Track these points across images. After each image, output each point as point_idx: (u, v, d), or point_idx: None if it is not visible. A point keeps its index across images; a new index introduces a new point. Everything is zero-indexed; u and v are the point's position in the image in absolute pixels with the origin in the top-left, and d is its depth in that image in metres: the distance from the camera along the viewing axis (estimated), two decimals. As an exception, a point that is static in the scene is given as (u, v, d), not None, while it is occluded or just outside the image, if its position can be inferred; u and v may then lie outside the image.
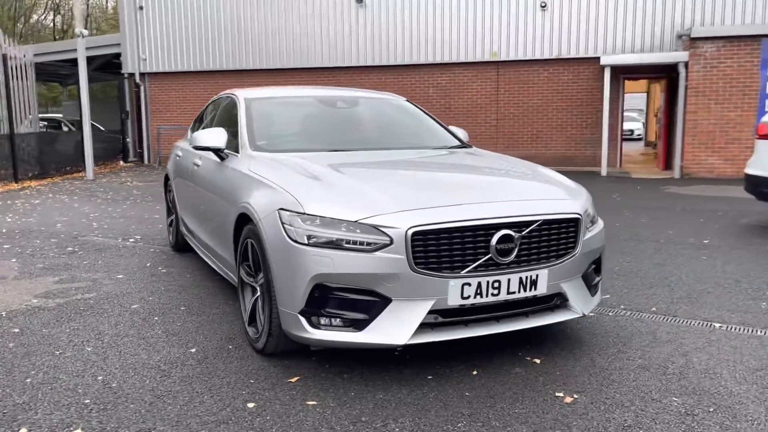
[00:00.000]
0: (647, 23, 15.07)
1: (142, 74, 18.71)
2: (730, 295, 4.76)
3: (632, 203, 9.77)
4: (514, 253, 3.26)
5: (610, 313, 4.34)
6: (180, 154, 5.98)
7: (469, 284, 3.18)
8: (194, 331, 4.05)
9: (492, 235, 3.21)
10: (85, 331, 4.07)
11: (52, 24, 47.11)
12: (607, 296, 4.74)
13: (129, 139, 19.38)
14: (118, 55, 19.28)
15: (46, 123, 23.64)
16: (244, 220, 3.76)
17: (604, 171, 14.47)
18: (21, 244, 6.92)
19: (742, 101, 13.28)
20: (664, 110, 16.34)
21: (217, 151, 4.53)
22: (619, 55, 14.63)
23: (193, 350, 3.73)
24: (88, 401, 3.06)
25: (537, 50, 15.88)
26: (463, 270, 3.17)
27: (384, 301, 3.14)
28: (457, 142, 4.98)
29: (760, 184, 7.19)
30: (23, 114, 14.71)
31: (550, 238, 3.40)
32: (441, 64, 16.53)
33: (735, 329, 4.02)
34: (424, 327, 3.21)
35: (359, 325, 3.16)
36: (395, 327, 3.14)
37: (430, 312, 3.17)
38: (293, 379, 3.30)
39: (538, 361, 3.52)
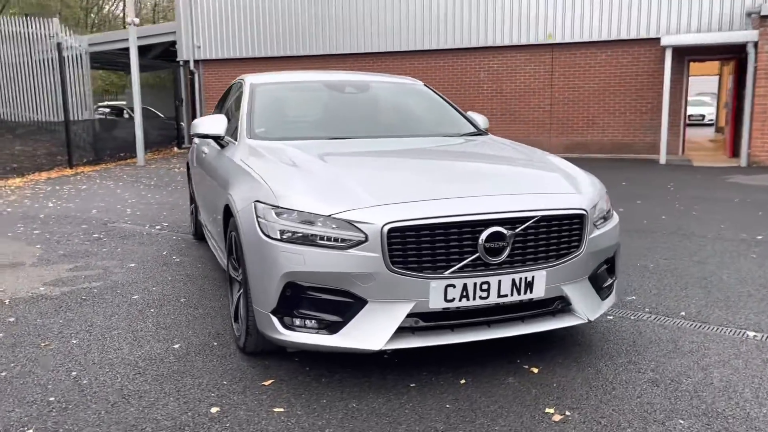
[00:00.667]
0: (714, 1, 14.09)
1: (196, 61, 18.94)
2: (774, 300, 4.29)
3: (686, 194, 9.14)
4: (506, 253, 2.95)
5: (632, 317, 3.96)
6: (197, 141, 5.88)
7: (453, 286, 2.90)
8: (185, 325, 3.92)
9: (480, 232, 2.91)
10: (78, 322, 4.01)
11: (122, 14, 48.60)
12: (633, 298, 4.35)
13: (183, 126, 19.69)
14: (174, 43, 19.59)
15: (109, 110, 24.41)
16: (229, 211, 3.59)
17: (662, 159, 13.69)
18: (52, 230, 7.02)
19: (818, 84, 12.26)
20: (732, 94, 15.32)
21: (216, 139, 4.38)
22: (680, 36, 13.73)
23: (176, 346, 3.60)
24: (53, 399, 2.96)
25: (594, 31, 15.13)
26: (446, 270, 2.90)
27: (359, 303, 2.90)
28: (472, 129, 4.65)
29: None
30: (80, 102, 15.10)
31: (550, 237, 3.07)
32: (492, 47, 15.99)
33: (771, 339, 3.59)
34: (404, 331, 2.96)
35: (333, 328, 2.93)
36: (370, 331, 2.89)
37: (411, 315, 2.92)
38: (267, 382, 3.11)
39: (536, 370, 3.21)
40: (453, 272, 2.90)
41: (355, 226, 2.86)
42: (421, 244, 2.87)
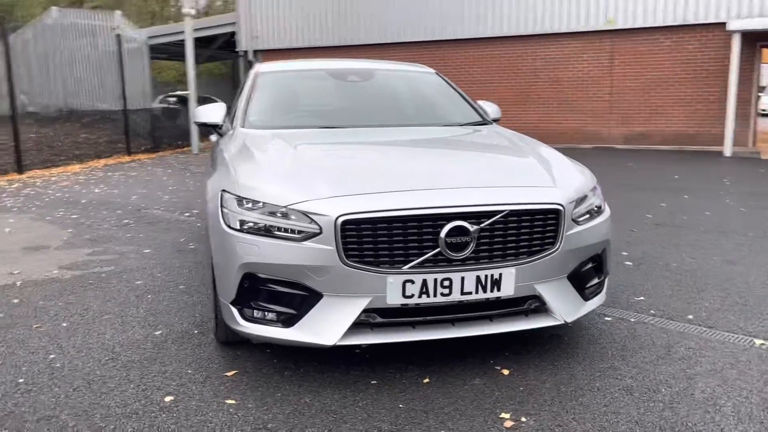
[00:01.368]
0: (789, -18, 13.15)
1: (255, 51, 19.23)
2: (799, 305, 3.95)
3: (741, 189, 8.58)
4: (470, 249, 2.81)
5: (631, 319, 3.73)
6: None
7: (412, 282, 2.79)
8: (174, 312, 3.96)
9: (441, 226, 2.78)
10: (76, 306, 4.11)
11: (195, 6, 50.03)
12: (641, 298, 4.10)
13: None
14: (235, 34, 19.97)
15: (175, 99, 25.19)
16: (210, 201, 3.58)
17: (728, 151, 12.93)
18: (89, 214, 7.27)
19: None
20: (810, 82, 14.30)
21: (214, 127, 4.39)
22: (749, 20, 12.89)
23: (158, 333, 3.63)
24: (21, 381, 3.04)
25: (659, 16, 14.40)
26: (405, 265, 2.79)
27: (315, 297, 2.83)
28: (477, 119, 4.48)
29: None
30: (139, 92, 15.63)
31: (520, 232, 2.90)
32: (549, 34, 15.49)
33: (779, 349, 3.30)
34: (363, 327, 2.87)
35: (289, 321, 2.88)
36: (326, 325, 2.82)
37: (368, 311, 2.83)
38: (230, 373, 3.09)
39: (506, 372, 3.06)
40: (411, 267, 2.78)
41: (310, 218, 2.79)
42: (377, 237, 2.77)
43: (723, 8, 13.77)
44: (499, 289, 2.88)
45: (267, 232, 2.85)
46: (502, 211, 2.84)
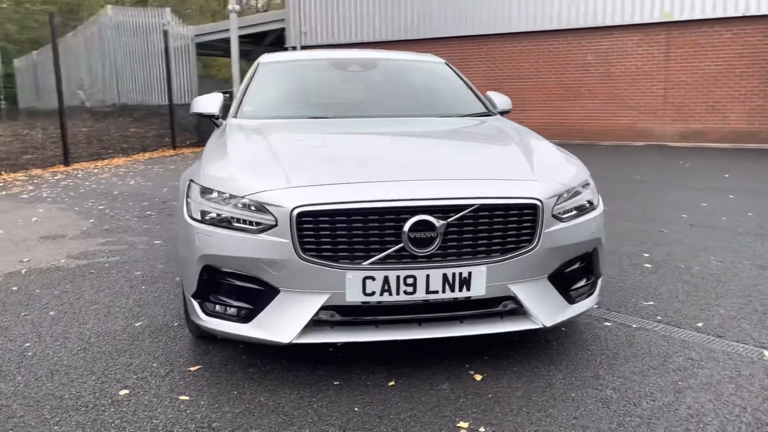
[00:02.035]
0: None
1: (303, 47, 19.32)
2: (827, 315, 3.58)
3: (795, 188, 8.01)
4: (436, 245, 2.63)
5: (633, 325, 3.45)
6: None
7: (372, 278, 2.63)
8: (162, 304, 3.92)
9: (405, 221, 2.61)
10: (69, 295, 4.12)
11: (255, 3, 50.88)
12: (650, 303, 3.80)
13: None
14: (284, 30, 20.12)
15: (228, 94, 25.63)
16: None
17: (790, 149, 12.16)
18: (115, 205, 7.39)
19: None
20: None
21: (211, 118, 4.33)
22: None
23: (138, 324, 3.59)
24: (-11, 368, 3.04)
25: (719, 7, 13.66)
26: (365, 261, 2.63)
27: (271, 292, 2.70)
28: (481, 110, 4.26)
29: None
30: (186, 87, 15.91)
31: (492, 229, 2.70)
32: (601, 27, 14.93)
33: (792, 363, 2.98)
34: (322, 325, 2.73)
35: (247, 317, 2.77)
36: (282, 322, 2.69)
37: (326, 308, 2.69)
38: (193, 368, 3.00)
39: (479, 377, 2.86)
40: (372, 263, 2.62)
41: (266, 209, 2.66)
42: (336, 231, 2.62)
43: (789, -3, 12.95)
44: (468, 289, 2.69)
45: (227, 223, 2.75)
46: (471, 206, 2.65)
